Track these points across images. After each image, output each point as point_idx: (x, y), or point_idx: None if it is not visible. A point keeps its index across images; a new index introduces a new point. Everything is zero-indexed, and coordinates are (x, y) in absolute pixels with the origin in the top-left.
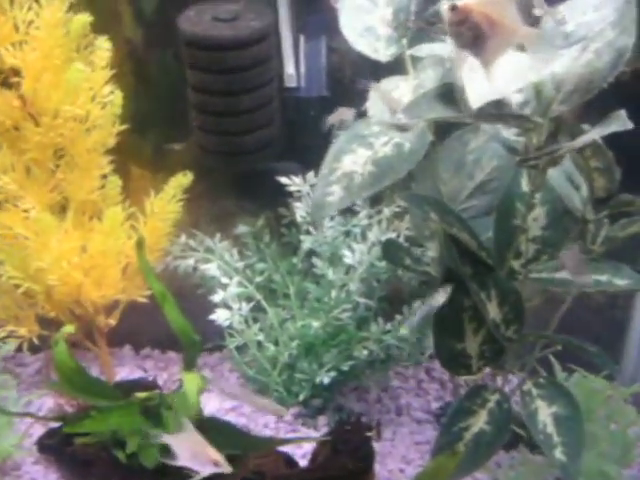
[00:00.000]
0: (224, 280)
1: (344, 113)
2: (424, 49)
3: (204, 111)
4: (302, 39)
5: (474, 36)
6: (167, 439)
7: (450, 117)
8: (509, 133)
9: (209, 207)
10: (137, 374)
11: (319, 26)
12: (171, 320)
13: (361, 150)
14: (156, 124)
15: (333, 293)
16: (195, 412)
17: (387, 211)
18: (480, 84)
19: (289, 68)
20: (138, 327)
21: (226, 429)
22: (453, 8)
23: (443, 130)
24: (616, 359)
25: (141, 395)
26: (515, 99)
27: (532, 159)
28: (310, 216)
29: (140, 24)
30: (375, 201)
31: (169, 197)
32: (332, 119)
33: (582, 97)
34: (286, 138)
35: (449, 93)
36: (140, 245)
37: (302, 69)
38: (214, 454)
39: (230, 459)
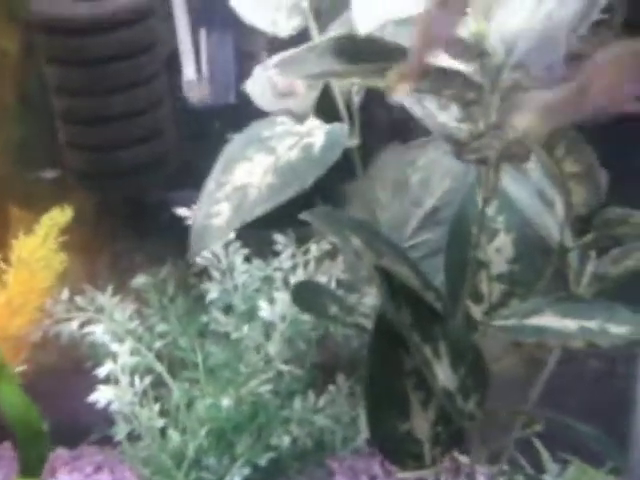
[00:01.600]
0: (115, 347)
1: None
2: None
3: (70, 120)
4: (204, 33)
5: None
6: None
7: (345, 72)
8: (448, 118)
9: (97, 251)
10: None
11: (223, 17)
12: (5, 403)
13: (259, 156)
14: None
15: (248, 359)
16: None
17: (315, 249)
18: (369, 4)
19: (188, 70)
20: None
21: None
22: None
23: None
24: (622, 446)
25: None
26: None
27: (474, 148)
28: (190, 248)
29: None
30: (302, 238)
31: (40, 240)
32: None
33: (542, 60)
34: (184, 157)
35: (350, 47)
36: None
37: (204, 70)
38: None
39: None
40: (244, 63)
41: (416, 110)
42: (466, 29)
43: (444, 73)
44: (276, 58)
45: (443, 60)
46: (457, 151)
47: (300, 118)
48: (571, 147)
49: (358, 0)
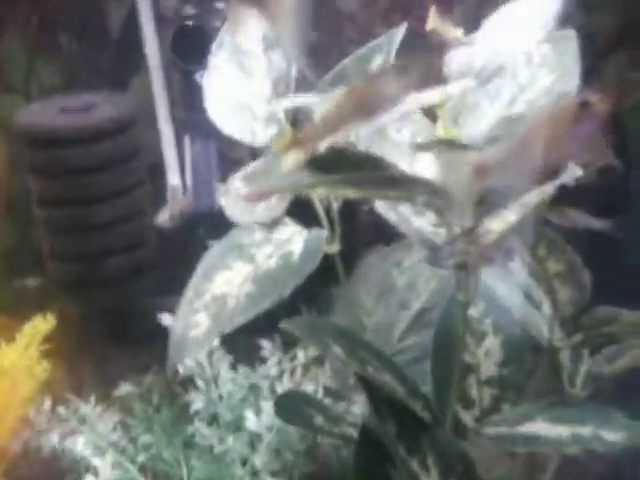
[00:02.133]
0: (96, 460)
1: None
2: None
3: (53, 229)
4: (188, 140)
5: None
6: None
7: (312, 184)
8: (423, 223)
9: (80, 360)
10: None
11: (204, 123)
12: None
13: (239, 265)
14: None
15: (233, 472)
16: None
17: (302, 356)
18: None
19: (172, 177)
20: None
21: None
22: None
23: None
24: None
25: None
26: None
27: (450, 253)
28: (169, 358)
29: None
30: (289, 343)
31: (22, 348)
32: None
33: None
34: (168, 264)
35: (318, 157)
36: None
37: (188, 178)
38: None
39: None
40: (229, 169)
41: (391, 216)
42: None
43: (415, 181)
44: (243, 172)
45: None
46: (433, 256)
47: (273, 224)
48: (552, 247)
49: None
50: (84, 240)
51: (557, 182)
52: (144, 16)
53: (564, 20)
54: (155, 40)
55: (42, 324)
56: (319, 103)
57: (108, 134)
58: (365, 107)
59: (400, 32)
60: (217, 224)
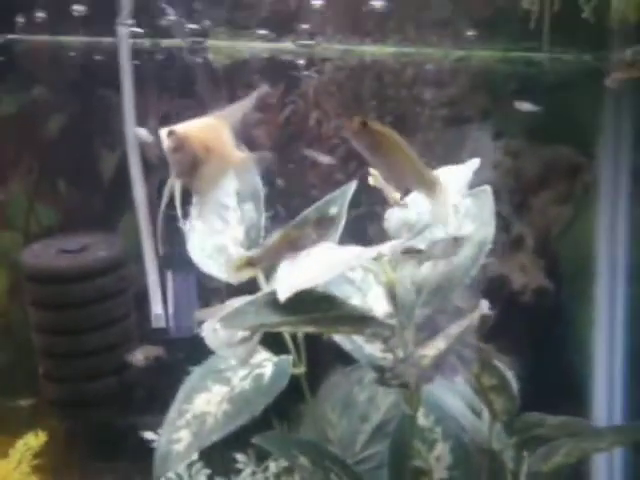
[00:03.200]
0: None
1: None
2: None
3: (49, 354)
4: (170, 274)
5: (191, 163)
6: None
7: (279, 324)
8: (373, 349)
9: (69, 475)
10: None
11: (185, 260)
12: None
13: (217, 387)
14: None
15: None
16: None
17: (274, 467)
18: (292, 273)
19: (156, 307)
20: None
21: None
22: (170, 133)
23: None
24: None
25: None
26: (381, 309)
27: (395, 375)
28: (154, 471)
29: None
30: (262, 456)
31: (15, 464)
32: None
33: (445, 297)
34: (152, 385)
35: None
36: None
37: (170, 308)
38: None
39: None
40: (208, 298)
41: (346, 344)
42: (378, 279)
43: (364, 318)
44: (222, 313)
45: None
46: (380, 378)
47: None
48: (485, 364)
49: (281, 271)
50: (76, 364)
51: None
52: (133, 164)
53: (495, 165)
54: (142, 185)
55: (33, 441)
56: None
57: (101, 273)
58: (293, 245)
59: (352, 187)
60: (196, 349)
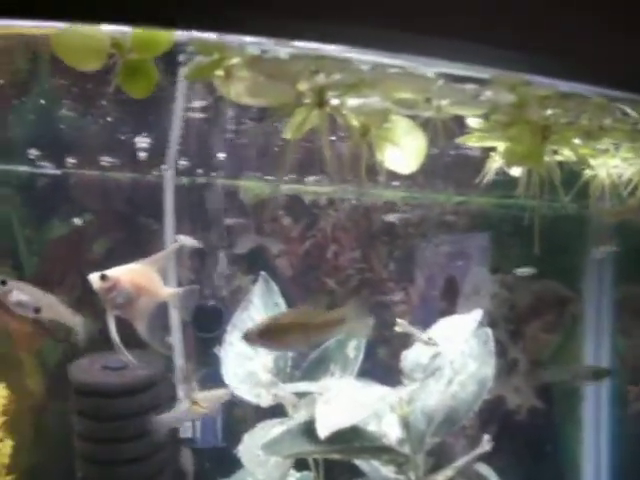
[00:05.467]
0: None
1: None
2: (289, 387)
3: (90, 460)
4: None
5: (124, 299)
6: None
7: (312, 453)
8: (388, 470)
9: None
10: None
11: (211, 377)
12: None
13: None
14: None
15: None
16: None
17: None
18: (329, 415)
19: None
20: None
21: None
22: (103, 277)
23: None
24: None
25: None
26: (394, 435)
27: None
28: None
29: (42, 374)
30: None
31: None
32: None
33: (450, 427)
34: None
35: (311, 429)
36: None
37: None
38: None
39: None
40: (232, 411)
41: (364, 466)
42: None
43: (382, 448)
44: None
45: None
46: None
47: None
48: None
49: (319, 409)
50: (115, 471)
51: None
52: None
53: (492, 296)
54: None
55: None
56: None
57: (141, 390)
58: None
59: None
60: (221, 459)
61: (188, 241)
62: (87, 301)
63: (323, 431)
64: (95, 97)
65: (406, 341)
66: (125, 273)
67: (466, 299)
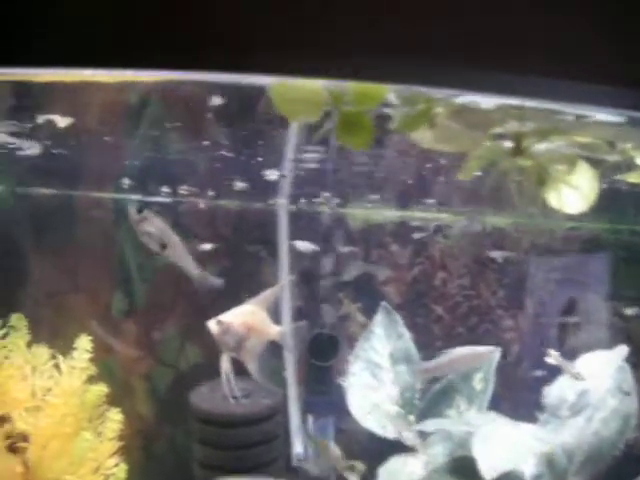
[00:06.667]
0: None
1: None
2: (432, 424)
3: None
4: (310, 418)
5: (237, 341)
6: None
7: None
8: None
9: None
10: None
11: (326, 406)
12: None
13: None
14: None
15: None
16: None
17: None
18: (492, 456)
19: (298, 447)
20: None
21: None
22: (218, 322)
23: None
24: None
25: None
26: (529, 472)
27: None
28: None
29: (153, 399)
30: None
31: None
32: None
33: (595, 466)
34: None
35: (462, 466)
36: None
37: (309, 448)
38: None
39: None
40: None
41: None
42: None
43: None
44: None
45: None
46: None
47: None
48: None
49: (479, 449)
50: None
51: None
52: (284, 314)
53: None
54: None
55: None
56: None
57: (264, 419)
58: None
59: (495, 355)
60: None
61: (304, 246)
62: (196, 328)
63: (490, 473)
64: (206, 131)
65: (518, 370)
66: (237, 316)
67: (579, 328)
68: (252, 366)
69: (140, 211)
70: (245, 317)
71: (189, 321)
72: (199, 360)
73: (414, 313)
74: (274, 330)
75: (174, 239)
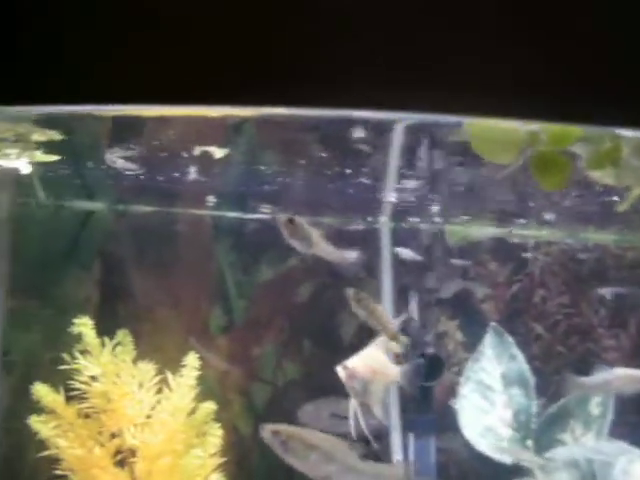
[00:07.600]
0: None
1: None
2: (560, 453)
3: None
4: (411, 437)
5: (362, 385)
6: None
7: None
8: None
9: None
10: None
11: (429, 425)
12: None
13: None
14: None
15: None
16: None
17: None
18: None
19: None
20: None
21: None
22: (344, 367)
23: None
24: None
25: None
26: None
27: None
28: None
29: (250, 416)
30: None
31: None
32: None
33: None
34: None
35: None
36: None
37: (411, 468)
38: None
39: None
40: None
41: None
42: None
43: None
44: None
45: None
46: None
47: None
48: None
49: None
50: None
51: None
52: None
53: None
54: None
55: None
56: None
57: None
58: None
59: None
60: None
61: (407, 254)
62: (293, 344)
63: None
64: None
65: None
66: (360, 359)
67: None
68: (377, 409)
69: (291, 221)
70: (367, 360)
71: (286, 337)
72: (296, 377)
73: (513, 331)
74: (395, 371)
75: (316, 236)
